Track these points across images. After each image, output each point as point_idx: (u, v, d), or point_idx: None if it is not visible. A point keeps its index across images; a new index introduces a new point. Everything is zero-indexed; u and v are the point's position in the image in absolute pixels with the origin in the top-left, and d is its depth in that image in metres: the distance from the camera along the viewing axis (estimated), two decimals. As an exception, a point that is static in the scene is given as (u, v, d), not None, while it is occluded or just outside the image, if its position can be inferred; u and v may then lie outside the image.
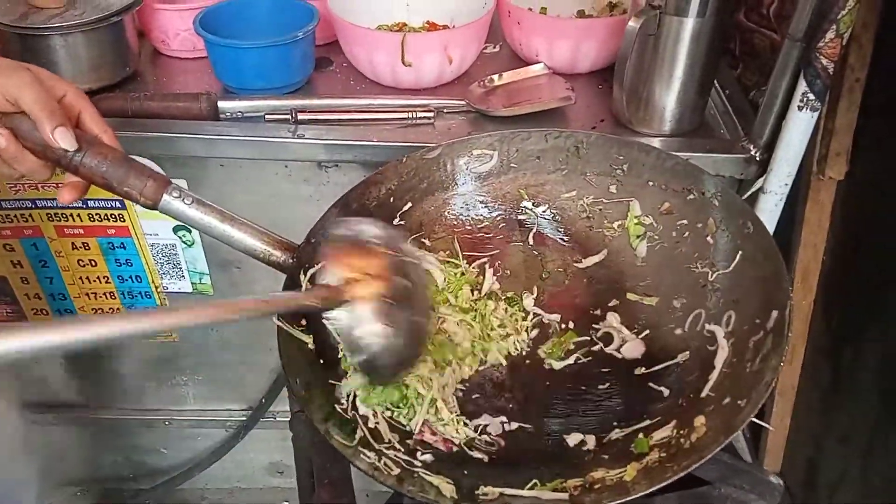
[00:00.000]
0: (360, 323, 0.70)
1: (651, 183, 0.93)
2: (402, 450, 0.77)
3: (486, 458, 0.79)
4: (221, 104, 1.14)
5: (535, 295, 0.95)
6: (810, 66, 0.99)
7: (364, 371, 0.74)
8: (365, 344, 0.71)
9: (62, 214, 1.26)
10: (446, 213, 0.99)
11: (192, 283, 1.34)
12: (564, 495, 0.71)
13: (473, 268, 0.96)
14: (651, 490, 0.66)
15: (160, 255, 1.30)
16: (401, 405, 0.81)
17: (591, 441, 0.79)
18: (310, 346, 0.81)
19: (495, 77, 1.23)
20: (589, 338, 0.91)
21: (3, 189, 1.23)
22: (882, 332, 1.08)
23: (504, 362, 0.89)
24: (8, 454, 1.41)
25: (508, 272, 0.97)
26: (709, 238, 0.87)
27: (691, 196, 0.90)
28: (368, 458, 0.73)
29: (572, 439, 0.79)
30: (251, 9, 1.25)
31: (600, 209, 0.97)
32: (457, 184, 0.99)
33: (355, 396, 0.80)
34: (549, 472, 0.74)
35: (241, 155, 1.15)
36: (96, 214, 1.25)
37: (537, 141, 0.97)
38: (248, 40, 1.15)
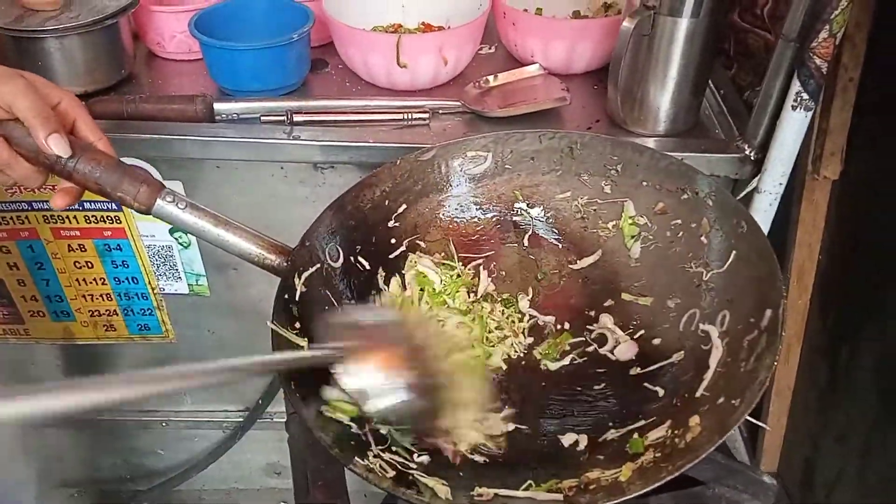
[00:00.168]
0: (370, 386, 0.71)
1: (645, 183, 0.93)
2: (397, 452, 0.77)
3: (482, 460, 0.79)
4: (217, 106, 1.14)
5: (530, 296, 0.96)
6: (804, 66, 0.99)
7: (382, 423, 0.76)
8: (376, 410, 0.72)
9: (58, 216, 1.26)
10: (441, 215, 0.99)
11: (188, 285, 1.35)
12: (559, 496, 0.71)
13: (468, 269, 0.97)
14: (646, 490, 0.66)
15: (156, 257, 1.31)
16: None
17: (584, 441, 0.79)
18: (305, 348, 0.81)
19: (491, 78, 1.23)
20: (584, 339, 0.91)
21: (-2, 192, 1.23)
22: (878, 331, 1.08)
23: (504, 367, 0.90)
24: (5, 456, 1.41)
25: (503, 273, 0.98)
26: (703, 238, 0.87)
27: (685, 196, 0.90)
28: (363, 460, 0.73)
29: (567, 440, 0.79)
30: (246, 11, 1.25)
31: (595, 210, 0.97)
32: (451, 185, 0.99)
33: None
34: (545, 473, 0.75)
35: (237, 157, 1.15)
36: (92, 216, 1.25)
37: (531, 142, 0.98)
38: (243, 42, 1.15)
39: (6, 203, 1.24)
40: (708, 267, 0.86)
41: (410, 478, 0.73)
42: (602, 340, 0.90)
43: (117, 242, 1.29)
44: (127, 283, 1.35)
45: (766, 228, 1.14)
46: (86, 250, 1.30)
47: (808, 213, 1.15)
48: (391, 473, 0.73)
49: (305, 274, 0.85)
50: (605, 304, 0.93)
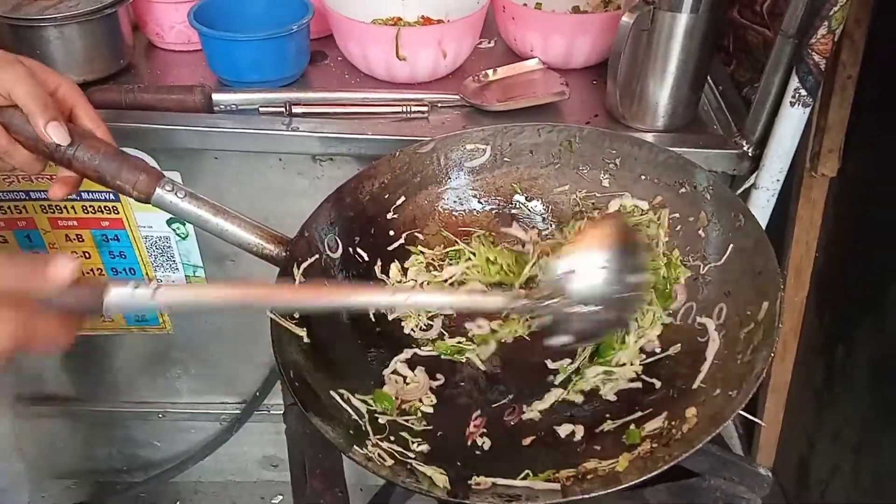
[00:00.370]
0: None
1: (643, 177, 0.94)
2: (396, 441, 0.78)
3: (478, 451, 0.79)
4: (216, 97, 1.14)
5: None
6: (802, 63, 1.00)
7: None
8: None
9: (56, 206, 1.26)
10: (439, 208, 1.00)
11: (185, 276, 1.35)
12: (556, 485, 0.71)
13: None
14: (642, 479, 0.66)
15: (154, 248, 1.30)
16: None
17: (581, 432, 0.79)
18: (304, 338, 0.81)
19: (490, 72, 1.23)
20: None
21: (-4, 181, 1.23)
22: (875, 329, 1.08)
23: (500, 356, 0.90)
24: (1, 447, 1.41)
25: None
26: (700, 231, 0.88)
27: (683, 190, 0.90)
28: (362, 449, 0.73)
29: (563, 430, 0.80)
30: (246, 2, 1.25)
31: (593, 203, 0.97)
32: (450, 178, 0.99)
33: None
34: (542, 463, 0.75)
35: (236, 147, 1.15)
36: (90, 206, 1.25)
37: (530, 135, 0.98)
38: (242, 33, 1.15)
39: (3, 192, 1.24)
40: (705, 260, 0.86)
41: (409, 466, 0.74)
42: None
43: (115, 233, 1.29)
44: (124, 274, 1.35)
45: (763, 225, 1.14)
46: (83, 240, 1.30)
47: (805, 210, 1.15)
48: (390, 462, 0.73)
49: (304, 264, 0.86)
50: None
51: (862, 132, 1.07)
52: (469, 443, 0.80)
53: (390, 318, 0.92)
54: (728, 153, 1.13)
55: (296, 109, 1.14)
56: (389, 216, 0.97)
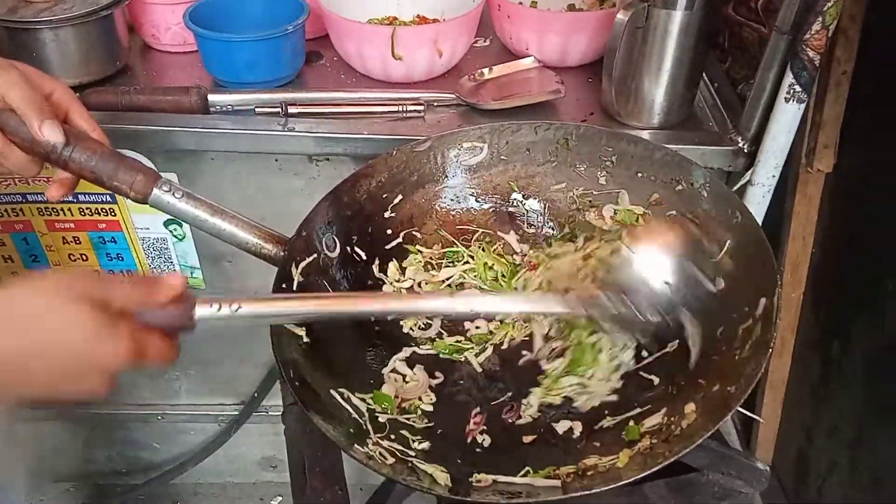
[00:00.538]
0: None
1: (640, 174, 0.94)
2: (397, 439, 0.78)
3: (478, 449, 0.80)
4: (211, 97, 1.15)
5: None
6: (797, 58, 1.00)
7: None
8: None
9: (53, 209, 1.26)
10: (437, 206, 1.00)
11: (183, 278, 1.34)
12: (557, 482, 0.71)
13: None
14: (642, 475, 0.67)
15: (151, 249, 1.30)
16: None
17: (579, 428, 0.79)
18: (303, 338, 0.81)
19: (485, 70, 1.23)
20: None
21: (-7, 184, 1.23)
22: (871, 325, 1.09)
23: (497, 356, 0.90)
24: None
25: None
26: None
27: (680, 187, 0.90)
28: (363, 448, 0.74)
29: (561, 427, 0.80)
30: (241, 3, 1.25)
31: (590, 201, 0.97)
32: (447, 176, 1.00)
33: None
34: (542, 460, 0.75)
35: (232, 148, 1.15)
36: (87, 208, 1.25)
37: (527, 133, 0.98)
38: (238, 34, 1.15)
39: (0, 195, 1.24)
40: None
41: (410, 464, 0.74)
42: None
43: (112, 235, 1.29)
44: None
45: (759, 221, 1.14)
46: (80, 243, 1.30)
47: (801, 206, 1.15)
48: (391, 460, 0.74)
49: (302, 264, 0.86)
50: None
51: (857, 128, 1.07)
52: (469, 440, 0.80)
53: (389, 317, 0.92)
54: (724, 150, 1.13)
55: (292, 110, 1.14)
56: (387, 215, 0.97)
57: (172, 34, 1.27)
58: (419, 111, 1.16)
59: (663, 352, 0.85)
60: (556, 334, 0.86)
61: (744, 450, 1.37)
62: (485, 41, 1.37)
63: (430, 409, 0.84)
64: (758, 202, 1.13)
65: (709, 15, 1.05)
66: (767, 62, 1.05)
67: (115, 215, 1.26)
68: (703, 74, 1.20)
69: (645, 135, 1.12)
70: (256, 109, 1.15)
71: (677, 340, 0.84)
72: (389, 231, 0.97)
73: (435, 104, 1.19)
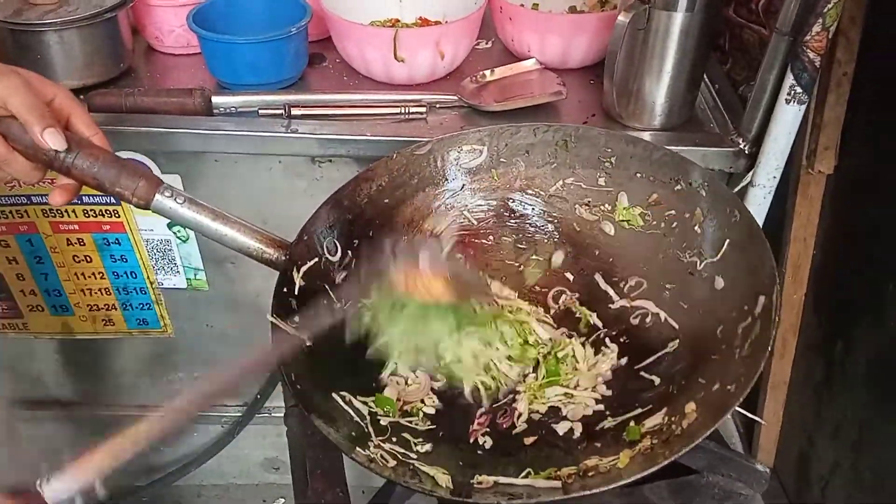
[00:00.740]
0: None
1: (639, 175, 0.94)
2: (398, 442, 0.78)
3: (479, 451, 0.80)
4: (215, 99, 1.15)
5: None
6: (797, 60, 1.00)
7: None
8: None
9: (57, 210, 1.26)
10: (437, 209, 1.00)
11: (186, 279, 1.35)
12: (558, 483, 0.72)
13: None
14: (643, 475, 0.67)
15: (155, 251, 1.31)
16: None
17: (579, 429, 0.79)
18: (305, 342, 0.81)
19: (487, 72, 1.23)
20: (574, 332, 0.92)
21: (-3, 186, 1.23)
22: (873, 325, 1.09)
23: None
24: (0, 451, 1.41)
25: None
26: (696, 228, 0.88)
27: (679, 187, 0.91)
28: (364, 451, 0.74)
29: (561, 428, 0.80)
30: (244, 5, 1.26)
31: (589, 202, 0.98)
32: (447, 179, 1.00)
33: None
34: (543, 461, 0.76)
35: (235, 150, 1.15)
36: (91, 210, 1.25)
37: (526, 135, 0.98)
38: (241, 36, 1.15)
39: (5, 197, 1.24)
40: (702, 256, 0.87)
41: (412, 467, 0.74)
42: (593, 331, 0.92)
43: (116, 237, 1.29)
44: (125, 278, 1.35)
45: (760, 222, 1.14)
46: (84, 244, 1.31)
47: (802, 207, 1.15)
48: (392, 463, 0.74)
49: (304, 268, 0.86)
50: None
51: (858, 129, 1.07)
52: (471, 441, 0.80)
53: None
54: (725, 151, 1.13)
55: (295, 111, 1.15)
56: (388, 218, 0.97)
57: (176, 36, 1.27)
58: (421, 113, 1.16)
59: (663, 352, 0.85)
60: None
61: (746, 452, 1.37)
62: (486, 43, 1.37)
63: (432, 411, 0.84)
64: (759, 203, 1.13)
65: (710, 17, 1.05)
66: (768, 64, 1.05)
67: (118, 217, 1.26)
68: (704, 76, 1.20)
69: (646, 136, 1.12)
70: (260, 111, 1.16)
71: (677, 340, 0.85)
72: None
73: (437, 106, 1.19)
